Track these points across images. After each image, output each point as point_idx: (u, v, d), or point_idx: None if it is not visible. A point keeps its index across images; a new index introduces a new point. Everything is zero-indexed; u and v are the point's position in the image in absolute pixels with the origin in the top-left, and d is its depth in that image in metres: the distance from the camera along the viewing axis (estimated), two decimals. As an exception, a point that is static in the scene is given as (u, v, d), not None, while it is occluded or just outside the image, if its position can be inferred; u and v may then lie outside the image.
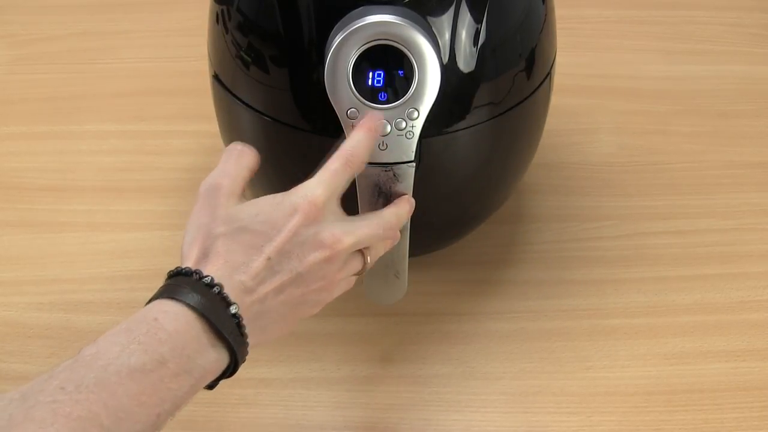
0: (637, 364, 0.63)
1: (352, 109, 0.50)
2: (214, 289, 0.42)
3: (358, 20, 0.48)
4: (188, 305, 0.42)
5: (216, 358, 0.42)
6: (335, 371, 0.62)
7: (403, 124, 0.50)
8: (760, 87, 0.90)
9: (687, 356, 0.63)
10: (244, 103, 0.56)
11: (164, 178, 0.78)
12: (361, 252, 0.50)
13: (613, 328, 0.65)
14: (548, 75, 0.60)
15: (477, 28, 0.52)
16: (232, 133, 0.62)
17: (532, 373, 0.62)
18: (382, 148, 0.51)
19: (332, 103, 0.50)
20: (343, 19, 0.49)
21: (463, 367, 0.62)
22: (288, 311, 0.46)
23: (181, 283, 0.43)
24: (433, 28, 0.51)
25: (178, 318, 0.41)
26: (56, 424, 0.36)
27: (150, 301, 0.43)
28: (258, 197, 0.47)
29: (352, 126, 0.50)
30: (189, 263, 0.45)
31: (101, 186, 0.77)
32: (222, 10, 0.57)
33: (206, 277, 0.43)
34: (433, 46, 0.49)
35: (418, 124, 0.51)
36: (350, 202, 0.50)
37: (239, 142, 0.50)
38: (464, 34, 0.52)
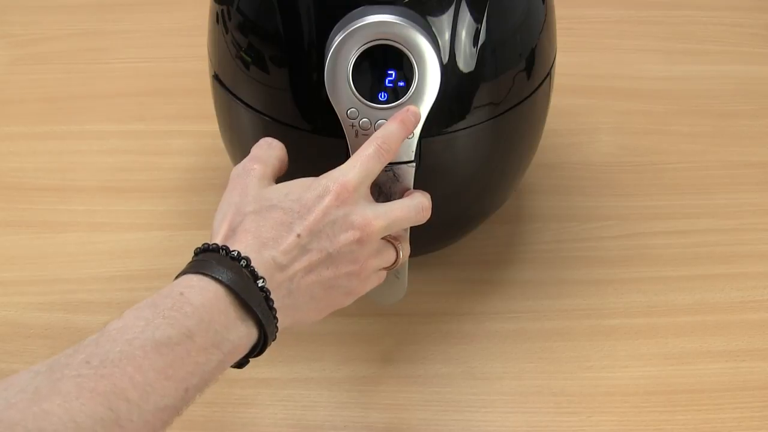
0: (637, 364, 0.63)
1: (352, 109, 0.50)
2: (241, 262, 0.43)
3: (358, 20, 0.48)
4: (215, 279, 0.42)
5: (245, 332, 0.42)
6: (335, 371, 0.62)
7: (403, 124, 0.50)
8: (760, 87, 0.90)
9: (687, 356, 0.63)
10: (244, 103, 0.56)
11: (164, 178, 0.78)
12: (394, 246, 0.50)
13: (613, 328, 0.65)
14: (548, 75, 0.60)
15: (477, 28, 0.52)
16: (232, 133, 0.62)
17: (532, 373, 0.62)
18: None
19: (332, 103, 0.50)
20: (343, 19, 0.49)
21: (463, 367, 0.62)
22: (319, 292, 0.46)
23: (209, 258, 0.43)
24: (433, 28, 0.51)
25: (204, 292, 0.41)
26: (81, 398, 0.35)
27: (177, 277, 0.43)
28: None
29: (352, 126, 0.50)
30: (217, 239, 0.45)
31: (101, 186, 0.77)
32: (222, 10, 0.57)
33: (233, 251, 0.43)
34: (433, 46, 0.49)
35: (418, 124, 0.51)
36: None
37: (268, 137, 0.51)
38: (464, 34, 0.52)
